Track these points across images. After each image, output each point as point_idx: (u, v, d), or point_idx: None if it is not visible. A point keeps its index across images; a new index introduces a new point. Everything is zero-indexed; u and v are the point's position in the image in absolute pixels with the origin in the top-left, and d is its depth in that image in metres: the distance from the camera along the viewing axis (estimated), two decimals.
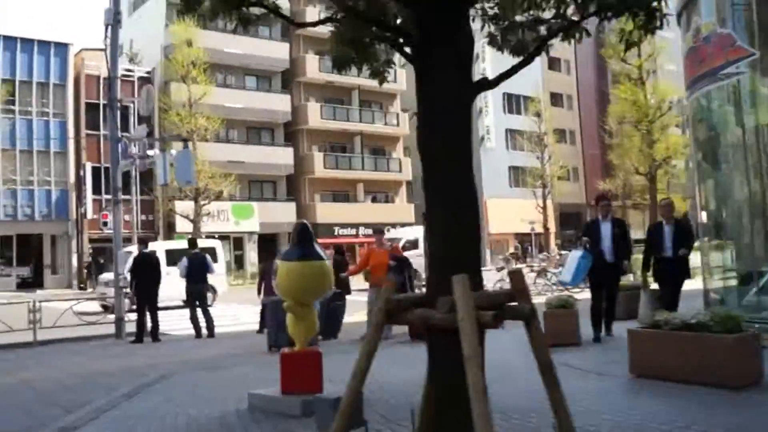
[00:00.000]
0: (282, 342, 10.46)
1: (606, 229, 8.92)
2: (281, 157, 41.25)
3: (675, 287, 8.86)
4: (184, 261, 13.81)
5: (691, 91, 10.74)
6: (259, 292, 13.51)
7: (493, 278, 20.43)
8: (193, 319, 13.59)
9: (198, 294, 13.73)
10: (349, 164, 44.59)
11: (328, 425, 4.63)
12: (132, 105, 28.30)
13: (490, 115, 50.59)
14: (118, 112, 15.71)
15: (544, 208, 47.73)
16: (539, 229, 47.86)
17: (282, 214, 39.63)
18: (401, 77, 40.41)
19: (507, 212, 47.58)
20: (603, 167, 53.86)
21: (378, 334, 4.15)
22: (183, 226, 35.48)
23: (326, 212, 42.38)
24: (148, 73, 38.72)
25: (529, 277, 21.41)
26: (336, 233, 41.71)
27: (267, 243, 38.98)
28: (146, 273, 13.38)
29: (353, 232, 42.91)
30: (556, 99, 55.42)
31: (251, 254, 38.41)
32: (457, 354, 3.82)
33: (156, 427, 6.26)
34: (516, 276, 4.07)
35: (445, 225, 4.10)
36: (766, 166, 9.71)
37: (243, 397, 7.06)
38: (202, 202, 35.08)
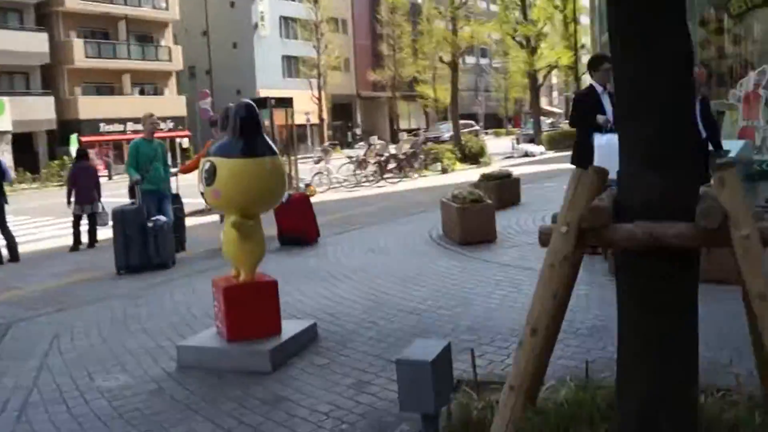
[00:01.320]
0: (134, 262, 8.32)
1: (607, 103, 6.87)
2: (33, 43, 34.72)
3: None
4: None
5: None
6: (69, 202, 11.12)
7: (309, 170, 19.07)
8: None
9: None
10: (113, 52, 39.14)
11: None
12: None
13: (264, 0, 47.15)
14: None
15: (320, 99, 46.47)
16: (315, 120, 46.69)
17: (39, 110, 34.21)
18: None
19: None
20: (374, 58, 53.69)
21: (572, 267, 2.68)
22: None
23: (89, 107, 37.27)
24: None
25: (348, 168, 20.33)
26: (101, 130, 37.16)
27: (22, 143, 33.37)
28: None
29: (120, 128, 38.19)
30: None
31: (6, 156, 32.42)
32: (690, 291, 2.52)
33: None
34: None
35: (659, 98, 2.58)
36: None
37: (155, 350, 5.15)
38: None
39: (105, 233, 10.55)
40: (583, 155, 6.39)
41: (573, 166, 4.21)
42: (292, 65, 49.37)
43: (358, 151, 23.39)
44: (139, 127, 10.82)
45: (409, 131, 50.24)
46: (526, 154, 30.37)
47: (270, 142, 4.86)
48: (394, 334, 5.20)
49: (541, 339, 2.71)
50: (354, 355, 4.82)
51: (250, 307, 4.83)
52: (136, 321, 6.12)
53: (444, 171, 22.77)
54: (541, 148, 31.61)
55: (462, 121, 33.35)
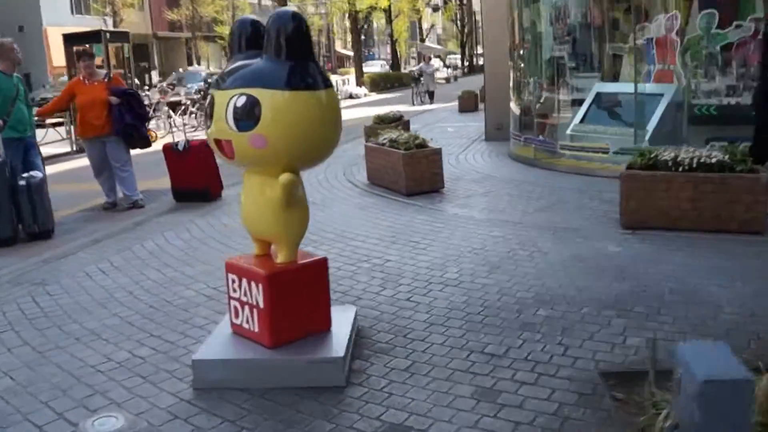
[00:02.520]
0: (4, 234, 6.25)
1: None
2: None
3: None
4: None
5: None
6: None
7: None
8: None
9: None
10: None
11: None
12: None
13: None
14: None
15: None
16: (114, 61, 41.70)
17: None
18: None
19: None
20: None
21: None
22: None
23: None
24: None
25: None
26: None
27: None
28: None
29: None
30: None
31: None
32: None
33: None
34: None
35: None
36: None
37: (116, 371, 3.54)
38: None
39: None
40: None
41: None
42: (81, 0, 43.44)
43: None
44: None
45: (211, 74, 47.13)
46: (350, 96, 29.58)
47: (322, 68, 3.37)
48: (456, 315, 4.06)
49: None
50: (438, 350, 3.60)
51: (299, 297, 3.39)
52: (52, 322, 4.30)
53: None
54: (365, 90, 30.98)
55: None
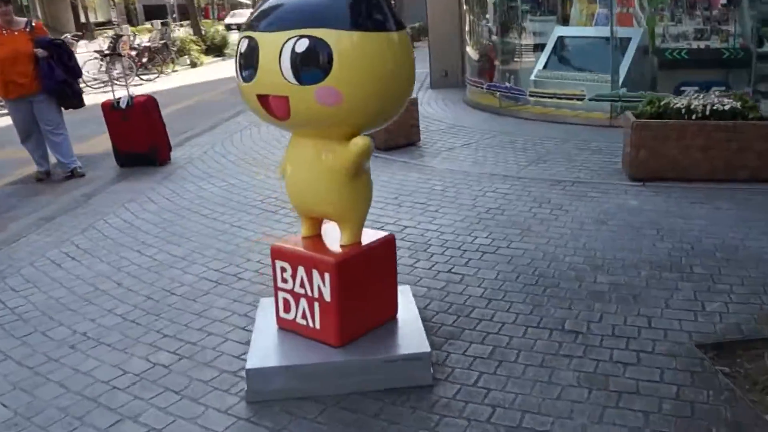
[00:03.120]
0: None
1: None
2: None
3: None
4: None
5: None
6: None
7: None
8: None
9: None
10: None
11: None
12: None
13: None
14: None
15: None
16: None
17: None
18: None
19: None
20: None
21: None
22: None
23: None
24: None
25: (95, 65, 16.34)
26: None
27: None
28: None
29: None
30: None
31: None
32: None
33: None
34: None
35: None
36: None
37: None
38: None
39: None
40: None
41: None
42: None
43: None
44: None
45: (99, 25, 44.11)
46: None
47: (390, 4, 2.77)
48: (512, 287, 3.65)
49: None
50: (513, 330, 3.18)
51: (367, 284, 2.87)
52: (32, 327, 3.58)
53: (193, 65, 19.92)
54: None
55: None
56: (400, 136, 6.90)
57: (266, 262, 3.95)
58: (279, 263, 2.91)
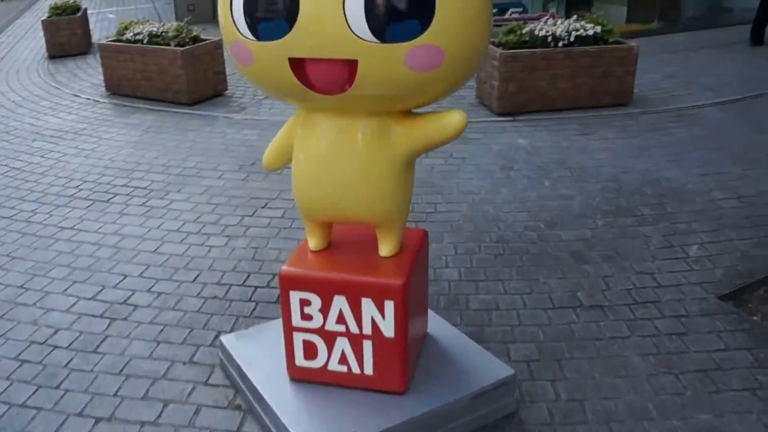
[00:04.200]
0: None
1: None
2: None
3: None
4: None
5: None
6: None
7: None
8: None
9: None
10: None
11: None
12: None
13: None
14: None
15: None
16: None
17: None
18: None
19: None
20: None
21: None
22: None
23: None
24: None
25: None
26: None
27: None
28: None
29: None
30: None
31: None
32: None
33: None
34: None
35: None
36: None
37: None
38: None
39: None
40: None
41: None
42: None
43: None
44: None
45: None
46: None
47: None
48: (486, 262, 3.12)
49: None
50: (535, 316, 2.69)
51: (413, 302, 2.11)
52: None
53: None
54: None
55: None
56: (206, 86, 5.78)
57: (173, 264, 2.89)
58: (298, 295, 2.02)
